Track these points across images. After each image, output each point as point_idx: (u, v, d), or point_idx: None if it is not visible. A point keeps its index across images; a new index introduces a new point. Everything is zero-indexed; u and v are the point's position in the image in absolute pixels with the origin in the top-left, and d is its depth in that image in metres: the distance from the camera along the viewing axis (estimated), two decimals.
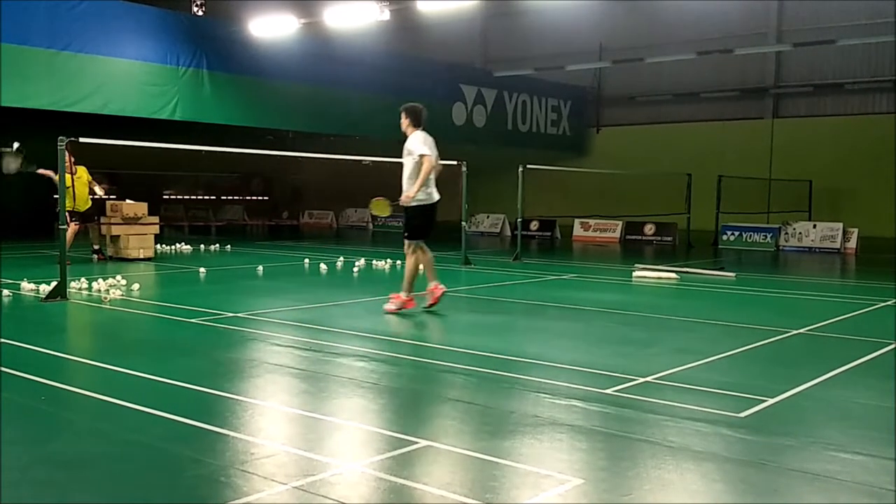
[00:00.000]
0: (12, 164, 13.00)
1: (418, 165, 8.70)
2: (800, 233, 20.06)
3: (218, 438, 4.55)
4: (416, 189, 8.68)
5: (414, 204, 8.84)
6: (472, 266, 14.55)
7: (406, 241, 9.04)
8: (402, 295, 8.99)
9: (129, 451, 4.39)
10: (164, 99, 18.04)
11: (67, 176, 13.87)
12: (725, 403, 5.34)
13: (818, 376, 6.15)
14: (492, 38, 31.77)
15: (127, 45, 17.29)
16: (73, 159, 14.11)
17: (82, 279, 11.00)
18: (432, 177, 8.88)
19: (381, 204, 9.54)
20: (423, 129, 8.94)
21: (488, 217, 26.10)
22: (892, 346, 7.40)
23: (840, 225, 19.70)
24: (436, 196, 8.98)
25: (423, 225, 9.01)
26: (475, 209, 24.93)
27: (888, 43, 23.40)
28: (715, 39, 25.62)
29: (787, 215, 21.82)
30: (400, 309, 8.95)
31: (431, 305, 9.07)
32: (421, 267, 9.12)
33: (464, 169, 15.03)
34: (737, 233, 20.91)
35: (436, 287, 9.03)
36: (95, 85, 16.80)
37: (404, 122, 8.97)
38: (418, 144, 8.74)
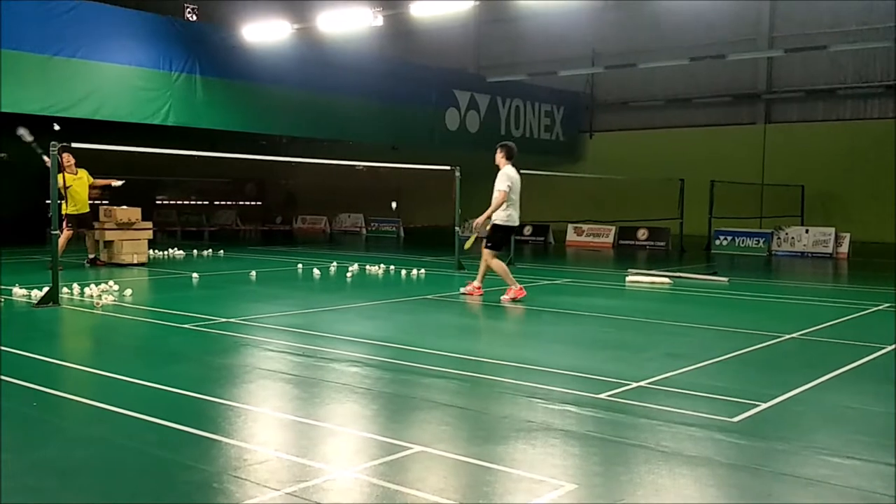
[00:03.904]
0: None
1: (500, 195, 10.58)
2: (792, 237, 20.10)
3: (210, 444, 4.54)
4: (484, 217, 10.78)
5: (499, 223, 10.69)
6: (466, 271, 14.54)
7: (487, 250, 10.78)
8: (512, 288, 10.59)
9: (121, 457, 4.37)
10: (157, 104, 18.00)
11: (70, 177, 13.91)
12: (719, 408, 5.35)
13: (811, 381, 6.17)
14: (485, 43, 31.80)
15: (119, 50, 17.25)
16: (74, 161, 14.09)
17: (75, 284, 10.96)
18: (516, 202, 10.74)
19: (470, 241, 11.59)
20: (512, 164, 10.77)
21: None
22: (886, 350, 7.42)
23: (832, 230, 19.75)
24: (516, 220, 10.85)
25: (502, 239, 11.06)
26: (469, 214, 24.81)
27: (879, 49, 23.51)
28: (707, 45, 25.69)
29: (779, 220, 21.88)
30: (514, 299, 10.48)
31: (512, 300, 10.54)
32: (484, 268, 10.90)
33: (457, 174, 15.04)
34: (729, 237, 20.96)
35: (510, 290, 10.65)
36: (88, 90, 16.76)
37: (499, 155, 10.77)
38: (500, 180, 10.59)
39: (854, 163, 24.57)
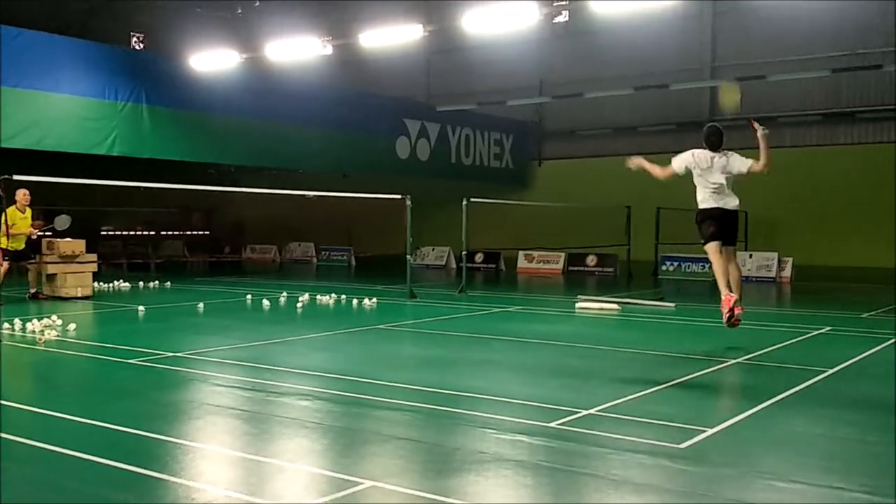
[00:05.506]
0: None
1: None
2: None
3: (157, 484, 4.45)
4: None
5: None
6: (418, 299, 14.55)
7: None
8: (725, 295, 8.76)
9: (65, 499, 4.26)
10: (102, 134, 17.74)
11: (18, 215, 13.62)
12: (666, 434, 5.41)
13: (756, 405, 6.28)
14: (435, 73, 32.07)
15: (64, 80, 17.00)
16: (29, 200, 13.82)
17: (16, 319, 10.67)
18: (705, 185, 9.41)
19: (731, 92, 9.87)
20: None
21: (433, 250, 26.15)
22: (828, 373, 7.60)
23: (775, 254, 20.23)
24: (706, 201, 9.33)
25: (701, 225, 9.24)
26: (420, 242, 24.95)
27: (817, 79, 24.28)
28: (652, 75, 26.26)
29: None
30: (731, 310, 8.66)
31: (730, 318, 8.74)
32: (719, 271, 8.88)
33: (408, 202, 15.07)
34: (676, 263, 21.30)
35: (728, 297, 8.71)
36: (31, 120, 16.46)
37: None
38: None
39: (795, 188, 25.20)
